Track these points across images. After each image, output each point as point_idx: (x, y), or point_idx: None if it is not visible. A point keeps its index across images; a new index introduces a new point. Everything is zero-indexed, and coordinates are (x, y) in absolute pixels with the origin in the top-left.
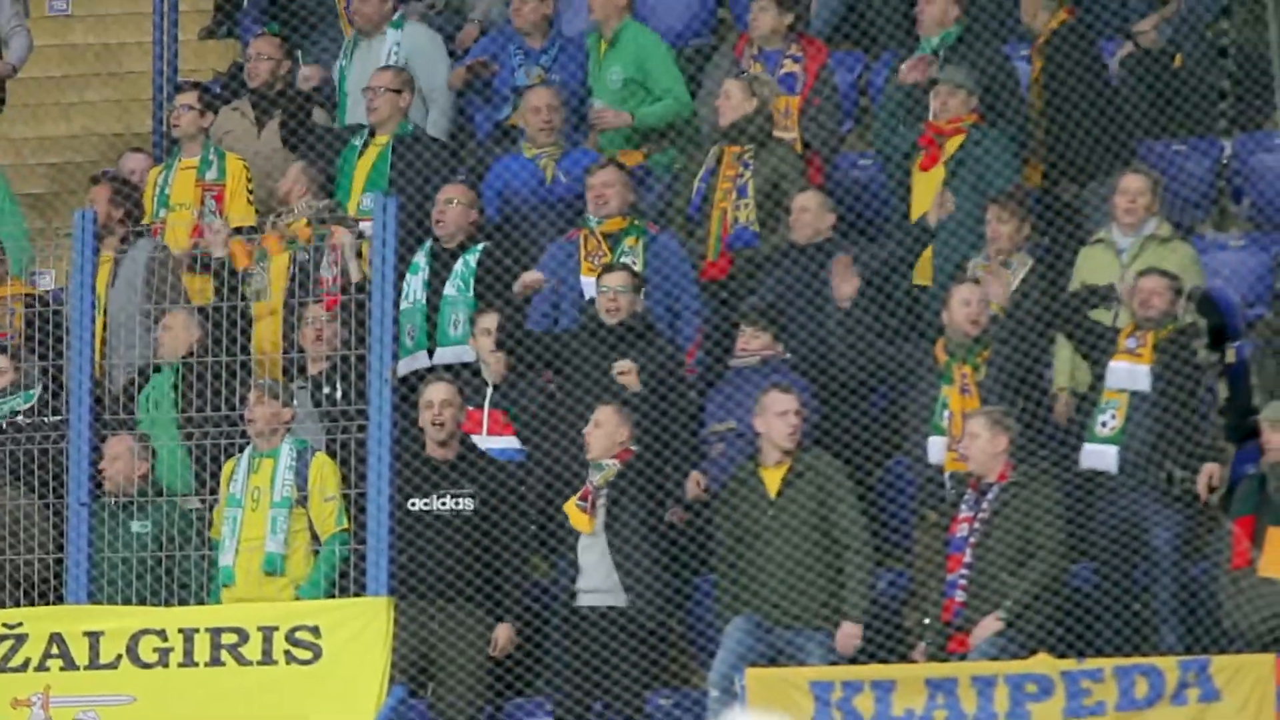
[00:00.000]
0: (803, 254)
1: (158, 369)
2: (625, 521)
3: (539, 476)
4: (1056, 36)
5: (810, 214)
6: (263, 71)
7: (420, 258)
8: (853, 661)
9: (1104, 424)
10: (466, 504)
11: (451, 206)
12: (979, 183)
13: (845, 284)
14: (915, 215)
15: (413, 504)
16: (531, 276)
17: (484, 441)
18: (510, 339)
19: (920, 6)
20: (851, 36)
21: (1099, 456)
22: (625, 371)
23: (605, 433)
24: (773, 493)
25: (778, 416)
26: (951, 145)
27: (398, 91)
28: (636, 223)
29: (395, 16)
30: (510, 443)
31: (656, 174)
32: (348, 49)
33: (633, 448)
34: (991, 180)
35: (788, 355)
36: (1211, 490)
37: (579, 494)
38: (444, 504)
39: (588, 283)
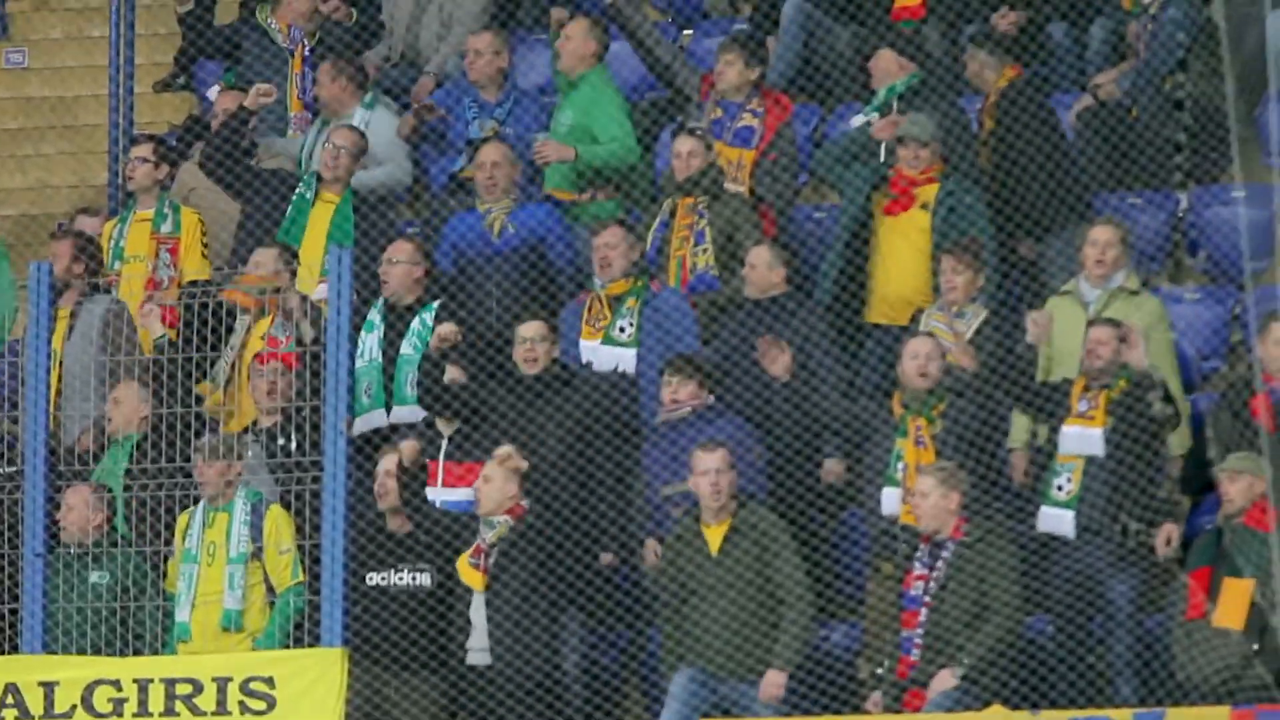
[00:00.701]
0: (757, 307)
1: (111, 441)
2: (506, 583)
3: None
4: (1007, 95)
5: (759, 270)
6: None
7: (374, 315)
8: (795, 710)
9: (1059, 487)
10: (424, 579)
11: (395, 266)
12: (965, 231)
13: (774, 363)
14: (878, 257)
15: (370, 578)
16: (447, 329)
17: (438, 494)
18: (429, 393)
19: (872, 60)
20: (807, 89)
21: (1056, 520)
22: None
23: (495, 488)
24: (714, 550)
25: (700, 476)
26: (926, 193)
27: (358, 154)
28: (639, 283)
29: (367, 98)
30: (465, 494)
31: (602, 219)
32: (318, 128)
33: (524, 503)
34: (969, 230)
35: (711, 400)
36: (1168, 546)
37: (471, 550)
38: (401, 579)
39: (587, 346)
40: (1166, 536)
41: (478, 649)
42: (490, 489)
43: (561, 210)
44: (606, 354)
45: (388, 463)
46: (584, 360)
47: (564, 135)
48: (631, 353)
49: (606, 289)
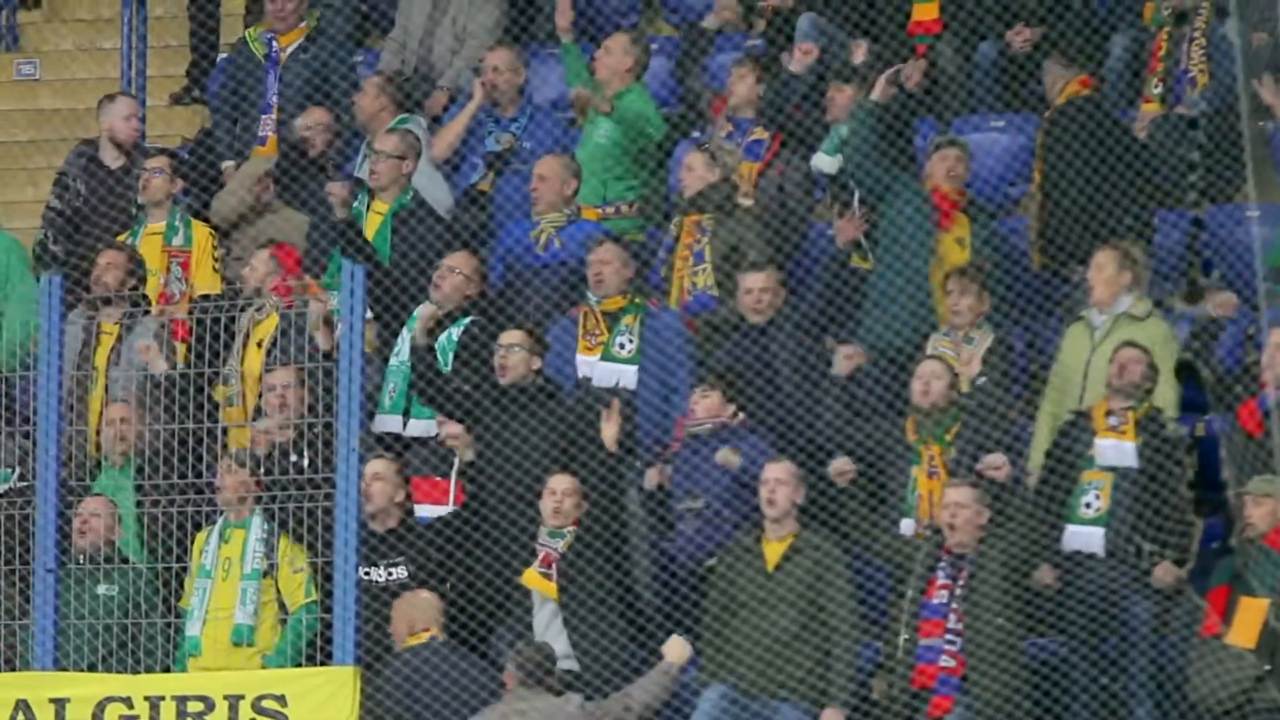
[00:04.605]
0: (755, 331)
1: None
2: (582, 585)
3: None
4: (1068, 110)
5: (773, 293)
6: (319, 143)
7: (417, 313)
8: None
9: (1088, 505)
10: (400, 573)
11: (452, 274)
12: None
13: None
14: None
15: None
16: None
17: (442, 512)
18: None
19: (830, 95)
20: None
21: (1084, 538)
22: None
23: (571, 504)
24: (770, 566)
25: (762, 485)
26: None
27: (401, 158)
28: (637, 301)
29: (393, 121)
30: None
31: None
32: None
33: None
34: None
35: (740, 417)
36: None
37: (540, 560)
38: (382, 575)
39: (585, 361)
40: (1165, 570)
41: (563, 657)
42: (568, 504)
43: (606, 231)
44: (605, 370)
45: (371, 465)
46: (581, 375)
47: (601, 146)
48: (633, 369)
49: (601, 305)
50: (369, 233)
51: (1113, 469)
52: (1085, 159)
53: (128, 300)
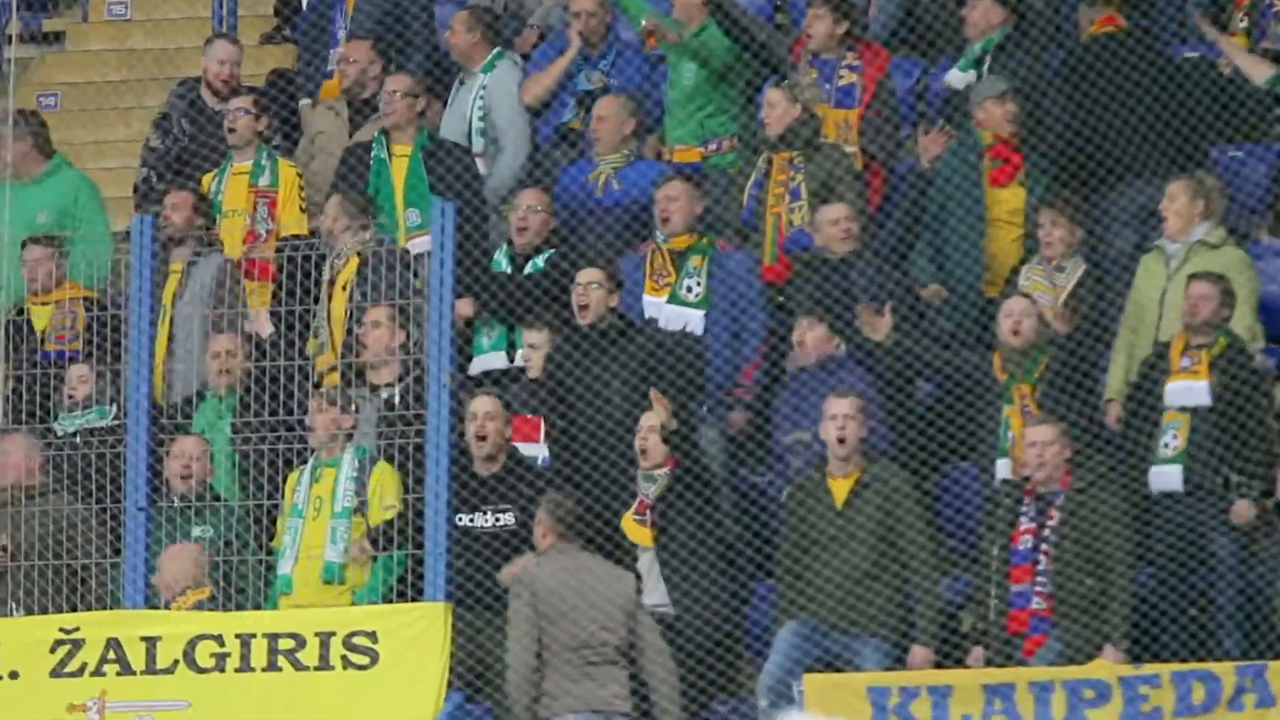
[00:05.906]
0: (842, 264)
1: (204, 395)
2: (674, 534)
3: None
4: (1099, 42)
5: (842, 225)
6: (351, 74)
7: (501, 257)
8: (898, 663)
9: (1166, 445)
10: (509, 519)
11: (536, 214)
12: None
13: (877, 330)
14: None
15: (460, 519)
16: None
17: (538, 450)
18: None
19: (967, 10)
20: (909, 41)
21: (1164, 477)
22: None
23: (657, 438)
24: (839, 502)
25: (829, 421)
26: None
27: (415, 96)
28: (705, 240)
29: (489, 57)
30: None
31: (714, 178)
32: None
33: (676, 455)
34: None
35: (841, 347)
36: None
37: (634, 508)
38: (488, 520)
39: (652, 302)
40: (1244, 508)
41: (659, 604)
42: (653, 440)
43: (677, 167)
44: (673, 313)
45: (482, 404)
46: (648, 316)
47: (689, 88)
48: (700, 314)
49: (669, 243)
50: (396, 175)
51: (1187, 409)
52: (1101, 89)
53: (195, 240)
